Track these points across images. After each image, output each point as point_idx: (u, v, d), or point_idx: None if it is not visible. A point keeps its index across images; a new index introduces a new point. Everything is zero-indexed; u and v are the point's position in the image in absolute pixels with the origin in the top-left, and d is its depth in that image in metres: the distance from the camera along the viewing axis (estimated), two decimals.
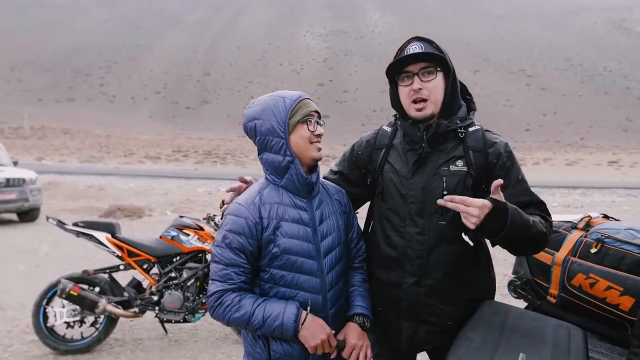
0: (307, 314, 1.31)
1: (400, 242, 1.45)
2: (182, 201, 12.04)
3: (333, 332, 1.33)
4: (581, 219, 1.73)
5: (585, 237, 1.62)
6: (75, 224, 3.40)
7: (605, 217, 1.77)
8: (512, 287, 1.88)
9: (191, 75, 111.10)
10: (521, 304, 1.86)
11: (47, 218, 3.46)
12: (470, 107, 1.52)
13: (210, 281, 1.34)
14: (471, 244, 1.40)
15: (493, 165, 1.40)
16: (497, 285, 1.61)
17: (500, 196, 1.25)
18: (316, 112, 1.38)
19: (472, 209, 1.20)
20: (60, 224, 3.39)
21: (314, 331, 1.28)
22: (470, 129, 1.45)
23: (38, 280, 4.36)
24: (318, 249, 1.37)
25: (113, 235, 3.39)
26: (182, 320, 3.37)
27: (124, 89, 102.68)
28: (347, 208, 1.51)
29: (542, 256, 1.71)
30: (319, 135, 1.37)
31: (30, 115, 61.26)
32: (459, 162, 1.41)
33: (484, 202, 1.21)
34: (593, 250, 1.56)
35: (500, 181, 1.25)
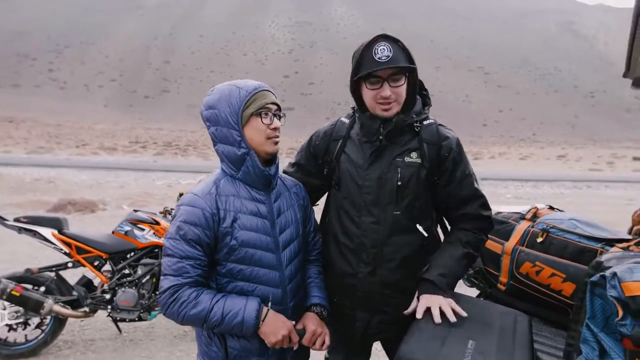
0: (269, 309, 1.27)
1: (356, 231, 1.45)
2: (140, 194, 11.59)
3: (293, 324, 1.31)
4: (528, 210, 1.82)
5: (532, 227, 1.70)
6: (17, 220, 3.16)
7: (551, 208, 1.86)
8: (466, 276, 1.94)
9: (150, 63, 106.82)
10: (474, 292, 1.92)
11: None
12: (425, 102, 1.55)
13: (162, 277, 1.27)
14: (425, 234, 1.44)
15: (445, 159, 1.44)
16: None
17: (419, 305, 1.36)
18: (275, 104, 1.34)
19: (417, 312, 1.32)
20: (1, 219, 3.14)
21: (275, 327, 1.25)
22: (425, 123, 1.48)
23: None
24: (277, 241, 1.34)
25: (60, 231, 3.17)
26: (137, 319, 3.23)
27: (76, 75, 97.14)
28: (304, 201, 1.49)
29: (493, 246, 1.80)
30: (276, 129, 1.32)
31: None
32: (414, 154, 1.44)
33: (420, 304, 1.34)
34: (539, 240, 1.64)
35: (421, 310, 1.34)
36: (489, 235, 1.77)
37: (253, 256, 1.29)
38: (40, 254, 5.40)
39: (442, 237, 1.59)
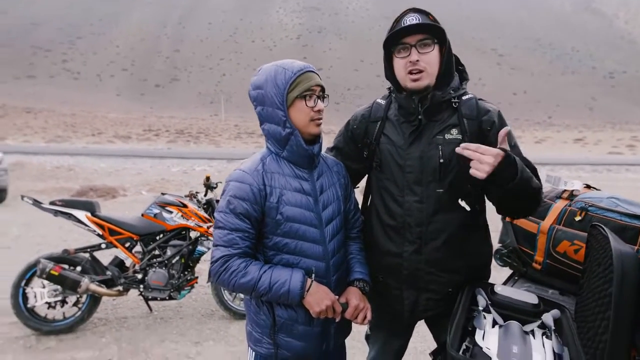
0: (312, 281, 1.33)
1: (400, 211, 1.47)
2: (157, 180, 11.77)
3: (336, 297, 1.36)
4: (564, 189, 1.79)
5: (570, 206, 1.68)
6: (52, 203, 3.28)
7: (588, 187, 1.84)
8: (499, 255, 1.95)
9: (160, 52, 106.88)
10: (507, 271, 1.94)
11: (22, 197, 3.32)
12: (463, 77, 1.54)
13: (214, 247, 1.34)
14: (467, 208, 1.44)
15: (487, 132, 1.43)
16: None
17: (507, 146, 1.28)
18: (319, 85, 1.36)
19: (487, 157, 1.21)
20: (37, 202, 3.26)
21: (319, 297, 1.30)
22: (464, 98, 1.48)
23: (11, 263, 4.22)
24: (320, 217, 1.38)
25: (93, 214, 3.29)
26: (167, 298, 3.35)
27: (89, 65, 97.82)
28: (345, 180, 1.53)
29: (528, 225, 1.78)
30: (319, 111, 1.35)
31: None
32: (454, 131, 1.44)
33: (498, 151, 1.22)
34: (577, 218, 1.62)
35: (507, 129, 1.28)
36: None
37: (297, 231, 1.34)
38: (68, 237, 5.59)
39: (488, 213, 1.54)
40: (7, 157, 9.08)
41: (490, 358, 1.12)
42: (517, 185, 1.24)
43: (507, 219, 1.86)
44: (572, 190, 1.74)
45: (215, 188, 3.68)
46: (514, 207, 1.43)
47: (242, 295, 3.12)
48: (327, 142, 1.73)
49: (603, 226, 1.31)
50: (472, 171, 1.24)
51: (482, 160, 1.21)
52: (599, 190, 1.81)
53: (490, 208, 1.51)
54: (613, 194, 1.68)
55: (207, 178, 3.61)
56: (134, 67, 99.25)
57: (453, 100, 1.46)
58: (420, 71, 1.41)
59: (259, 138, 33.25)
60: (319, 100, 1.36)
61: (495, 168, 1.21)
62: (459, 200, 1.41)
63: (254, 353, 1.43)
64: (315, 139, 1.40)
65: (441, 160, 1.41)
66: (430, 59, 1.41)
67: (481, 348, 1.16)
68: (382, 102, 1.59)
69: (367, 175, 1.65)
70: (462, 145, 1.25)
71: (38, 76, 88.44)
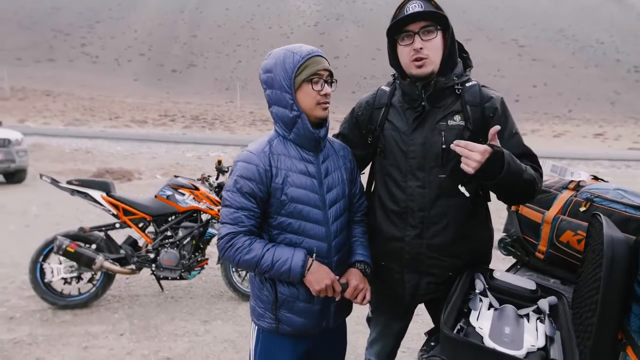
0: (313, 260, 1.36)
1: (402, 196, 1.49)
2: (172, 165, 11.96)
3: (337, 277, 1.39)
4: (571, 180, 1.79)
5: (575, 196, 1.68)
6: (69, 182, 3.38)
7: (595, 178, 1.83)
8: (502, 244, 1.96)
9: (177, 37, 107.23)
10: (510, 260, 1.95)
11: (41, 176, 3.43)
12: (467, 64, 1.54)
13: (220, 224, 1.39)
14: (467, 194, 1.46)
15: (489, 119, 1.43)
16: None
17: (497, 142, 1.31)
18: (327, 70, 1.37)
19: (474, 154, 1.26)
20: (54, 181, 3.37)
21: (319, 276, 1.34)
22: (467, 85, 1.49)
23: (30, 240, 4.38)
24: (324, 199, 1.42)
25: (108, 194, 3.38)
26: (178, 278, 3.44)
27: (107, 50, 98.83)
28: (351, 164, 1.55)
29: (533, 214, 1.78)
30: (326, 95, 1.37)
31: (10, 76, 58.94)
32: (457, 117, 1.45)
33: (485, 147, 1.27)
34: (582, 209, 1.62)
35: (497, 128, 1.31)
36: (528, 205, 1.77)
37: (301, 211, 1.38)
38: (84, 217, 5.76)
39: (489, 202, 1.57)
40: (26, 139, 9.32)
41: (482, 337, 1.15)
42: (504, 178, 1.29)
43: (513, 208, 1.86)
44: (579, 181, 1.74)
45: (226, 172, 3.74)
46: (509, 196, 1.46)
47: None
48: (337, 129, 1.76)
49: (601, 214, 1.31)
50: (462, 166, 1.29)
51: (469, 157, 1.26)
52: (607, 182, 1.80)
53: (493, 195, 1.52)
54: (620, 186, 1.67)
55: (219, 162, 3.66)
56: (151, 52, 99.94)
57: (456, 86, 1.47)
58: (424, 58, 1.42)
59: (273, 125, 33.29)
60: (326, 85, 1.38)
61: (483, 164, 1.26)
62: (459, 187, 1.43)
63: (256, 327, 1.49)
64: (322, 122, 1.42)
65: (443, 146, 1.43)
66: (433, 46, 1.42)
67: (474, 328, 1.19)
68: (387, 88, 1.60)
69: (371, 162, 1.67)
70: (455, 142, 1.31)
71: (58, 59, 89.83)
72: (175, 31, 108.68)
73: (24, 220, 5.86)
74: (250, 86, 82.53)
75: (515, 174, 1.31)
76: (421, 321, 2.65)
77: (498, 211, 1.68)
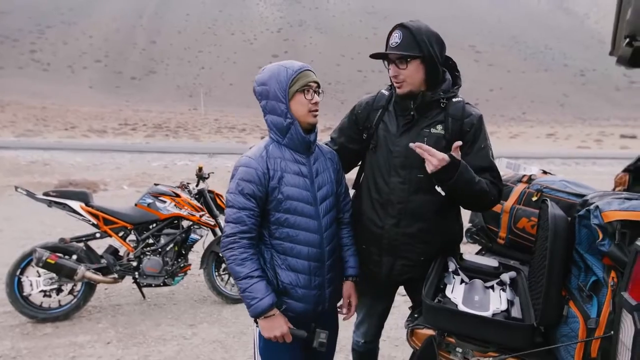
0: (278, 313, 1.53)
1: (385, 189, 1.73)
2: (138, 175, 11.71)
3: (289, 329, 1.53)
4: (524, 174, 2.08)
5: (528, 188, 1.98)
6: (46, 194, 3.35)
7: (544, 172, 2.14)
8: (469, 233, 2.24)
9: (135, 44, 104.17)
10: (475, 247, 2.21)
11: (16, 188, 3.37)
12: (456, 82, 1.79)
13: (225, 223, 1.56)
14: (442, 193, 1.67)
15: (465, 132, 1.68)
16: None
17: (458, 154, 1.57)
18: (315, 82, 1.59)
19: (433, 159, 1.51)
20: (30, 193, 3.33)
21: (272, 325, 1.51)
22: (454, 100, 1.73)
23: None
24: (315, 196, 1.62)
25: (87, 204, 3.38)
26: (161, 284, 3.49)
27: (60, 56, 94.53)
28: (338, 166, 1.77)
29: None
30: (316, 104, 1.58)
31: None
32: (439, 127, 1.70)
33: (444, 156, 1.51)
34: (534, 199, 1.91)
35: (459, 143, 1.58)
36: None
37: (296, 207, 1.57)
38: (52, 231, 5.59)
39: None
40: None
41: (457, 305, 1.41)
42: (455, 184, 1.54)
43: None
44: (530, 175, 2.04)
45: (207, 178, 3.82)
46: (462, 201, 1.73)
47: (233, 280, 3.30)
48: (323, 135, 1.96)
49: (548, 199, 1.58)
50: (425, 164, 1.55)
51: (428, 160, 1.52)
52: (554, 175, 2.11)
53: None
54: (564, 178, 1.97)
55: (200, 169, 3.75)
56: (107, 58, 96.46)
57: (442, 100, 1.70)
58: (402, 81, 1.68)
59: (239, 133, 33.02)
60: (315, 94, 1.59)
61: (438, 169, 1.51)
62: (436, 186, 1.64)
63: None
64: (312, 128, 1.63)
65: None
66: (407, 73, 1.67)
67: (450, 299, 1.46)
68: (386, 92, 1.84)
69: (362, 159, 1.90)
70: (417, 144, 1.55)
71: (5, 67, 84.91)
72: (134, 37, 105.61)
73: None
74: (214, 93, 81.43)
75: (467, 183, 1.57)
76: (397, 312, 2.86)
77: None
